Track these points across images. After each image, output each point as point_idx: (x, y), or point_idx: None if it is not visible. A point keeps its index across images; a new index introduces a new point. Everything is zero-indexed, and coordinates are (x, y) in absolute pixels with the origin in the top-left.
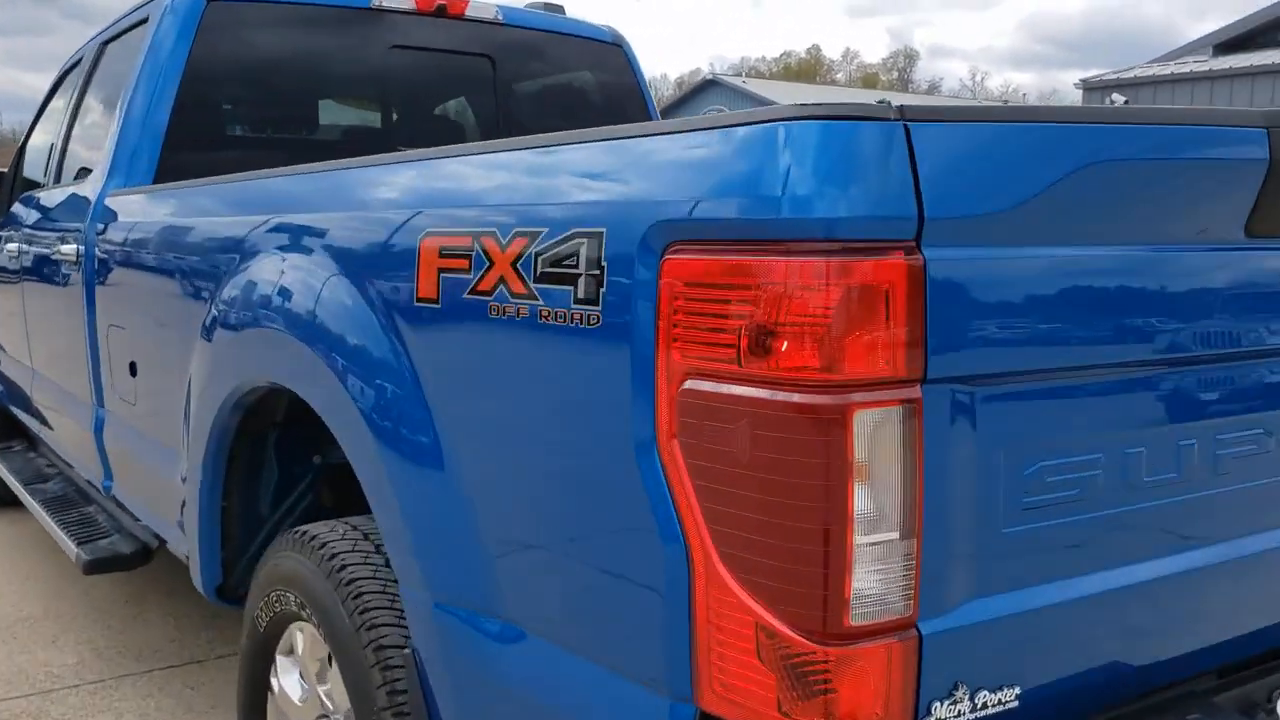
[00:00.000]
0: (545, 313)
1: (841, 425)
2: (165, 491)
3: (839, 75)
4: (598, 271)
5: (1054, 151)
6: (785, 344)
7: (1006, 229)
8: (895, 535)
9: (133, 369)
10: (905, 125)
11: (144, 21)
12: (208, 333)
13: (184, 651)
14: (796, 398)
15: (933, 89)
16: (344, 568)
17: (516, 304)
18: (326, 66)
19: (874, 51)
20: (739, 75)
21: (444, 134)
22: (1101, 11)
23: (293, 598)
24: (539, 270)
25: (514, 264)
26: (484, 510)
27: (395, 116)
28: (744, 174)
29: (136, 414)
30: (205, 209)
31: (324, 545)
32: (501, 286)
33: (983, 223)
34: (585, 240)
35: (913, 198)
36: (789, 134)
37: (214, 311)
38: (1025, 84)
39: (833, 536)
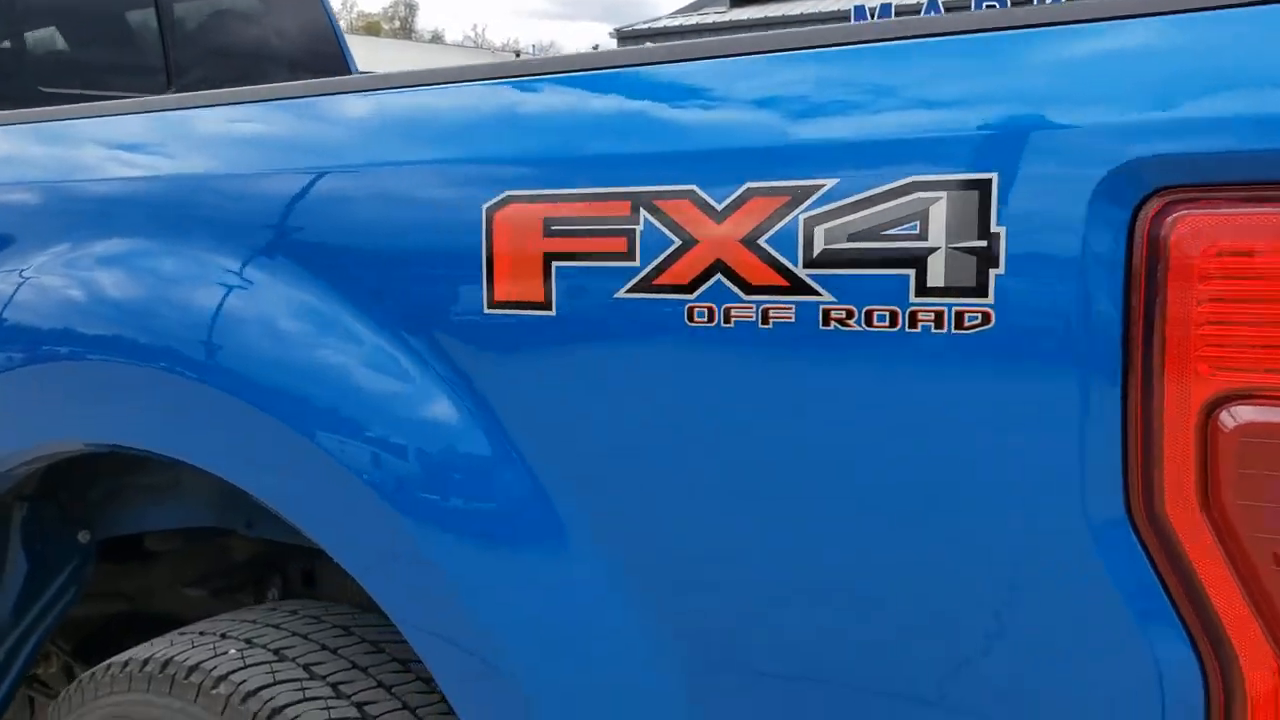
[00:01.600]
0: (839, 314)
1: None
2: None
3: (340, 22)
4: (981, 243)
5: None
6: None
7: None
8: None
9: None
10: None
11: None
12: None
13: None
14: None
15: (436, 38)
16: None
17: (760, 303)
18: None
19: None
20: None
21: (89, 67)
22: None
23: None
24: (819, 248)
25: (750, 240)
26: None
27: (24, 44)
28: None
29: None
30: None
31: (240, 687)
32: (719, 278)
33: None
34: (944, 195)
35: None
36: None
37: None
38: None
39: None
